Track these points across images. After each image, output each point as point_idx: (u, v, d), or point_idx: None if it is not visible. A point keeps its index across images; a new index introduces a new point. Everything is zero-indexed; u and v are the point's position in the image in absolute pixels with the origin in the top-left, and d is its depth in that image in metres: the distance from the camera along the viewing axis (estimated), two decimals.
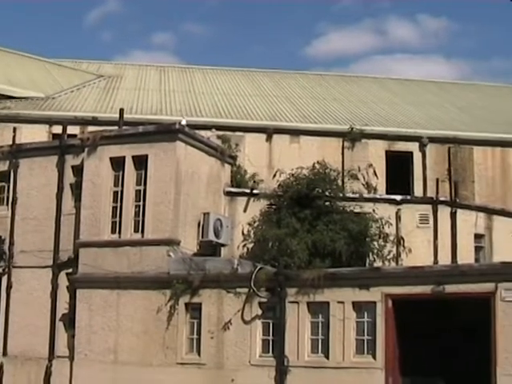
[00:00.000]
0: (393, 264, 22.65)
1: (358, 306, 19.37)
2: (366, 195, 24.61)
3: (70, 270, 22.64)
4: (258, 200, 23.71)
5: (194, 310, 20.96)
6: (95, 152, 22.47)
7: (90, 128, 26.86)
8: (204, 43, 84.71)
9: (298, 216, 22.24)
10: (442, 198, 25.18)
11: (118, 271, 21.64)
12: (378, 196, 25.14)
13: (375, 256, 22.60)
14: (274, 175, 23.98)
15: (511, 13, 76.80)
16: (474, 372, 18.72)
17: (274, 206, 23.30)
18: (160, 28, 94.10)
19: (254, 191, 24.12)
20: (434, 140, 29.83)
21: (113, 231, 22.11)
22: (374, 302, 19.13)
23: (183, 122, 22.93)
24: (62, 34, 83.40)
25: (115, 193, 22.27)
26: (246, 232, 22.75)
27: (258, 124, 29.68)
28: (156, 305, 21.15)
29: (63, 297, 22.81)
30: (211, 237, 22.13)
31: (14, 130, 25.67)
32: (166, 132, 22.05)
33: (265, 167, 28.26)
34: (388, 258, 22.54)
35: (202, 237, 22.21)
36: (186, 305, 20.98)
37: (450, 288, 18.53)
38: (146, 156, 21.89)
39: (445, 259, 23.93)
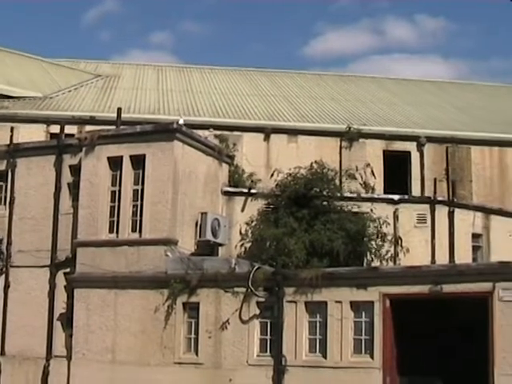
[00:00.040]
0: (390, 264, 22.63)
1: (355, 306, 19.36)
2: (363, 195, 24.61)
3: (68, 270, 22.63)
4: (255, 199, 23.71)
5: (192, 310, 20.96)
6: (93, 151, 22.46)
7: (88, 127, 26.81)
8: (202, 42, 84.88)
9: (295, 215, 22.25)
10: (439, 198, 25.16)
11: (116, 271, 21.63)
12: (375, 196, 25.13)
13: (373, 256, 22.60)
14: (272, 175, 24.01)
15: (509, 13, 76.86)
16: (471, 372, 18.70)
17: (271, 206, 23.31)
18: (158, 27, 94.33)
19: (252, 191, 24.11)
20: (431, 140, 29.83)
21: (110, 231, 22.10)
22: (372, 302, 19.13)
23: (181, 122, 22.96)
24: (59, 34, 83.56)
25: (113, 192, 22.27)
26: (243, 231, 22.78)
27: (255, 123, 29.68)
28: (154, 304, 21.14)
29: (61, 296, 22.80)
30: (209, 236, 22.12)
31: (12, 129, 25.65)
32: (163, 131, 22.04)
33: (262, 167, 28.25)
34: (386, 257, 22.54)
35: (200, 236, 22.21)
36: (184, 304, 20.97)
37: (448, 288, 18.53)
38: (144, 155, 21.88)
39: (442, 259, 23.91)
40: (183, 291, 20.82)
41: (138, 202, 21.87)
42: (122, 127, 22.98)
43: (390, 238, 23.02)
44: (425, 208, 24.81)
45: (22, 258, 23.38)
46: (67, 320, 22.36)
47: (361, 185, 25.31)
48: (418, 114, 33.43)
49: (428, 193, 27.66)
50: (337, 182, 23.71)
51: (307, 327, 19.78)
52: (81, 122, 28.57)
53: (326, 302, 19.53)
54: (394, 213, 24.36)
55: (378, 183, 27.52)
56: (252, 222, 22.73)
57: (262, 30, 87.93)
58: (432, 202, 24.85)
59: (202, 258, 21.35)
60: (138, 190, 21.96)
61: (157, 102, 31.92)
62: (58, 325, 22.72)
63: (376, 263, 22.35)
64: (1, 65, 32.77)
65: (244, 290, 20.19)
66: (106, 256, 21.84)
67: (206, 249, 22.51)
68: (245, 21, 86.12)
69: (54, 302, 22.80)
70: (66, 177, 23.41)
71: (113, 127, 23.16)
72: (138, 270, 21.42)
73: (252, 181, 25.94)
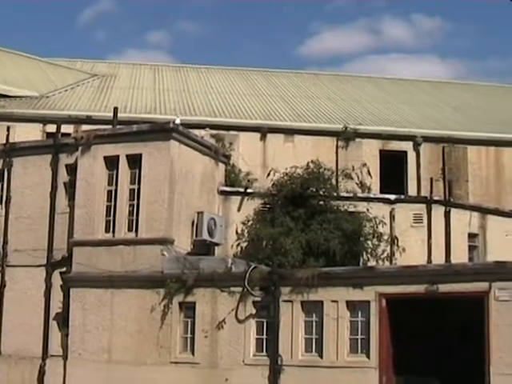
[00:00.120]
0: (387, 263, 22.66)
1: (351, 306, 19.38)
2: (359, 194, 24.66)
3: (64, 269, 22.61)
4: (252, 199, 23.71)
5: (188, 309, 20.95)
6: (89, 151, 22.45)
7: (84, 127, 26.79)
8: (198, 42, 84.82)
9: (292, 215, 22.26)
10: (435, 198, 25.20)
11: (112, 270, 21.62)
12: (371, 195, 25.17)
13: (369, 255, 22.63)
14: (268, 174, 24.00)
15: (506, 12, 76.96)
16: (468, 371, 18.72)
17: (268, 205, 23.31)
18: (154, 27, 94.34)
19: (248, 190, 24.11)
20: (428, 139, 29.85)
21: (107, 230, 22.09)
22: (368, 302, 19.14)
23: (177, 121, 22.97)
24: (56, 34, 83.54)
25: (109, 192, 22.25)
26: (239, 231, 22.77)
27: (252, 123, 29.67)
28: (150, 304, 21.13)
29: (57, 296, 22.77)
30: (205, 236, 22.12)
31: (8, 128, 25.54)
32: (160, 131, 22.03)
33: (259, 166, 28.25)
34: (382, 257, 22.57)
35: (196, 236, 22.20)
36: (180, 304, 20.96)
37: (444, 287, 18.55)
38: (140, 155, 21.87)
39: (439, 258, 23.94)
40: (179, 291, 20.81)
41: (135, 202, 21.86)
42: (118, 127, 22.97)
43: (386, 237, 23.05)
44: (421, 208, 24.83)
45: (18, 257, 23.35)
46: (63, 319, 22.33)
47: (357, 184, 25.35)
48: (415, 114, 33.44)
49: (424, 192, 27.70)
50: (333, 181, 23.71)
51: (303, 327, 19.78)
52: (77, 121, 28.55)
53: (322, 302, 19.54)
54: (391, 212, 24.38)
55: (375, 183, 27.54)
56: (248, 221, 22.72)
57: (259, 30, 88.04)
58: (428, 202, 24.88)
59: (199, 257, 21.35)
60: (134, 190, 21.95)
61: (153, 101, 31.90)
62: (54, 324, 22.70)
63: (372, 263, 22.36)
64: None
65: (240, 289, 20.20)
66: (102, 255, 21.82)
67: (203, 248, 22.51)
68: (241, 20, 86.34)
69: (50, 301, 22.77)
70: (63, 176, 23.39)
71: (109, 127, 23.15)
72: (135, 269, 21.41)
73: (248, 180, 25.98)
